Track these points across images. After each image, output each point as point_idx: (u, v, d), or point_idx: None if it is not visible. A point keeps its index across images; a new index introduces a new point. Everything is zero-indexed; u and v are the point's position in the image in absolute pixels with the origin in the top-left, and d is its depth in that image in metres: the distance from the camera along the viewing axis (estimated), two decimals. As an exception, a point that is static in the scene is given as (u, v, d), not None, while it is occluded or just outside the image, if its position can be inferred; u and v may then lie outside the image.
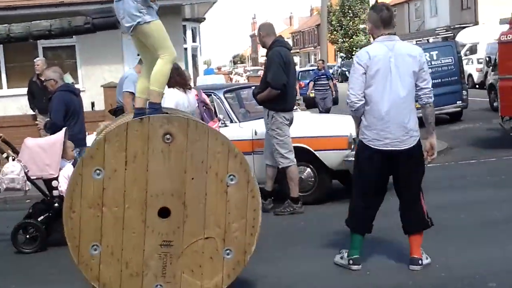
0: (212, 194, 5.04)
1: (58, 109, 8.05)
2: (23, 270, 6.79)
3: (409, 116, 5.59)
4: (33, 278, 6.43)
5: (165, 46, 5.29)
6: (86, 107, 9.87)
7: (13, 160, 7.32)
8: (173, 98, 7.69)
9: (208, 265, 5.05)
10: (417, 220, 5.77)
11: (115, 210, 4.96)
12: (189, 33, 21.27)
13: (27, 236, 7.35)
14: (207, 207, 5.05)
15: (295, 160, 8.35)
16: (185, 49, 19.75)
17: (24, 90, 13.18)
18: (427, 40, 18.34)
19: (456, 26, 41.36)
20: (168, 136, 5.01)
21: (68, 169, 7.17)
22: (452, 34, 18.12)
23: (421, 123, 5.60)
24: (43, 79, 11.87)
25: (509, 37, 12.89)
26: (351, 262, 5.86)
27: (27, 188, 7.35)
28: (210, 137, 5.07)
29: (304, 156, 8.90)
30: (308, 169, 8.98)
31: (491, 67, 19.36)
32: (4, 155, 7.44)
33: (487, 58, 21.03)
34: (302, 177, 8.93)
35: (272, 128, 8.24)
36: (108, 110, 9.55)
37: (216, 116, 9.29)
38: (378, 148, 5.64)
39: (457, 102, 17.13)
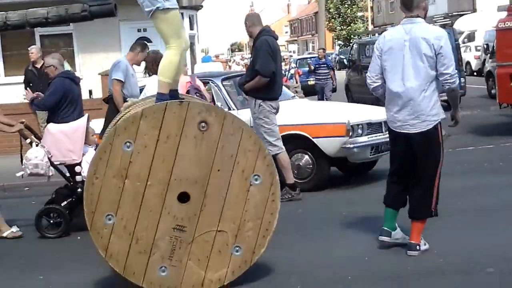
0: (234, 190, 5.10)
1: (54, 93, 8.02)
2: (46, 255, 6.82)
3: (421, 100, 5.57)
4: (54, 263, 6.47)
5: (176, 36, 5.35)
6: (84, 95, 9.85)
7: (37, 145, 7.36)
8: (155, 85, 7.75)
9: (216, 257, 5.10)
10: (423, 207, 5.75)
11: (137, 185, 5.01)
12: (186, 20, 21.18)
13: (51, 221, 7.40)
14: (227, 201, 5.10)
15: (283, 147, 8.34)
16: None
17: (21, 78, 13.15)
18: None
19: (454, 13, 41.32)
20: (203, 124, 5.06)
21: (91, 154, 7.17)
22: (450, 22, 18.17)
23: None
24: (39, 66, 11.88)
25: (507, 24, 12.89)
26: (379, 233, 5.92)
27: (50, 174, 7.40)
28: (244, 133, 5.12)
29: (302, 143, 8.91)
30: (306, 156, 8.98)
31: (489, 55, 19.36)
32: (28, 140, 7.49)
33: (485, 46, 21.03)
34: (300, 164, 8.94)
35: (259, 117, 8.21)
36: (103, 98, 9.58)
37: (214, 103, 9.28)
38: (394, 130, 5.77)
39: (455, 89, 17.11)
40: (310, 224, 7.19)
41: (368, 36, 20.82)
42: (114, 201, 5.01)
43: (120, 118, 5.97)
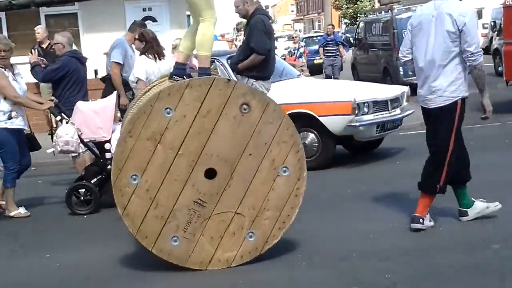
0: (260, 177, 5.14)
1: (57, 70, 8.06)
2: (53, 234, 6.86)
3: (438, 75, 5.62)
4: (61, 242, 6.51)
5: (209, 7, 5.47)
6: (89, 74, 9.83)
7: (67, 123, 7.41)
8: (142, 65, 7.82)
9: (228, 238, 5.15)
10: (429, 181, 5.77)
11: (168, 152, 5.05)
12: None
13: (81, 198, 7.46)
14: (251, 186, 5.14)
15: None
16: (188, 16, 19.62)
17: (27, 58, 13.13)
18: (432, 5, 18.21)
19: (461, -9, 40.95)
20: (245, 106, 5.10)
21: (119, 131, 7.24)
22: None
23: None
24: (44, 46, 11.85)
25: (514, 1, 12.80)
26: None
27: (80, 151, 7.51)
28: (283, 124, 5.17)
29: (307, 121, 8.90)
30: (312, 135, 8.98)
31: (496, 32, 19.23)
32: (58, 118, 7.57)
33: (492, 23, 20.89)
34: (306, 142, 8.92)
35: None
36: (100, 78, 9.57)
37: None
38: (421, 105, 5.89)
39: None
40: (315, 202, 7.17)
41: (374, 14, 20.60)
42: (143, 162, 5.04)
43: (153, 87, 6.04)
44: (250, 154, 5.13)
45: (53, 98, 7.73)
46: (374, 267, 5.06)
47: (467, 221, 5.90)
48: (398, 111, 9.33)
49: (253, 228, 5.17)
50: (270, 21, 8.27)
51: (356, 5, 61.15)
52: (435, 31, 5.62)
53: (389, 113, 9.16)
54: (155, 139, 5.04)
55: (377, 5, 55.02)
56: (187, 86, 5.08)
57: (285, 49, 31.27)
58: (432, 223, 5.79)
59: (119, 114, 7.94)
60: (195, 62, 9.10)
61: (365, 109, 8.87)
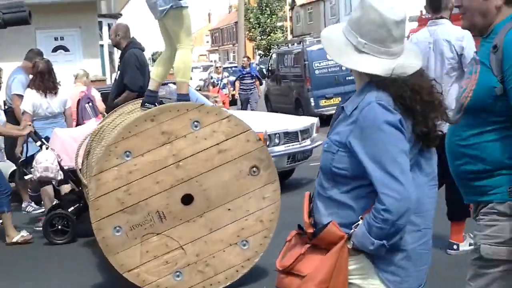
0: (222, 234, 5.18)
1: None
2: (54, 260, 6.79)
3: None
4: (56, 269, 6.47)
5: (186, 35, 5.53)
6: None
7: (47, 149, 7.26)
8: (29, 98, 7.74)
9: (159, 263, 5.13)
10: (459, 209, 5.59)
11: (171, 156, 5.05)
12: (105, 29, 20.98)
13: (58, 227, 7.29)
14: (210, 235, 5.17)
15: None
16: (101, 45, 19.49)
17: None
18: (342, 38, 18.67)
19: (371, 24, 42.34)
20: (255, 169, 5.18)
21: None
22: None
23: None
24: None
25: (418, 35, 13.33)
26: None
27: (59, 178, 7.34)
28: (272, 206, 5.30)
29: (220, 152, 8.95)
30: (224, 166, 9.02)
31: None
32: (38, 143, 7.40)
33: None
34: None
35: None
36: None
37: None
38: None
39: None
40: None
41: (287, 45, 20.95)
42: (144, 148, 5.01)
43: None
44: (229, 209, 5.18)
45: (30, 123, 7.58)
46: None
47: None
48: (308, 142, 9.54)
49: (185, 270, 5.17)
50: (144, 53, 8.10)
51: (269, 37, 62.22)
52: (434, 58, 5.65)
53: (300, 144, 9.35)
54: (168, 138, 5.04)
55: (290, 37, 56.15)
56: (228, 117, 5.15)
57: (200, 79, 31.39)
58: (470, 248, 5.77)
59: None
60: (93, 93, 8.98)
61: (276, 140, 9.03)
